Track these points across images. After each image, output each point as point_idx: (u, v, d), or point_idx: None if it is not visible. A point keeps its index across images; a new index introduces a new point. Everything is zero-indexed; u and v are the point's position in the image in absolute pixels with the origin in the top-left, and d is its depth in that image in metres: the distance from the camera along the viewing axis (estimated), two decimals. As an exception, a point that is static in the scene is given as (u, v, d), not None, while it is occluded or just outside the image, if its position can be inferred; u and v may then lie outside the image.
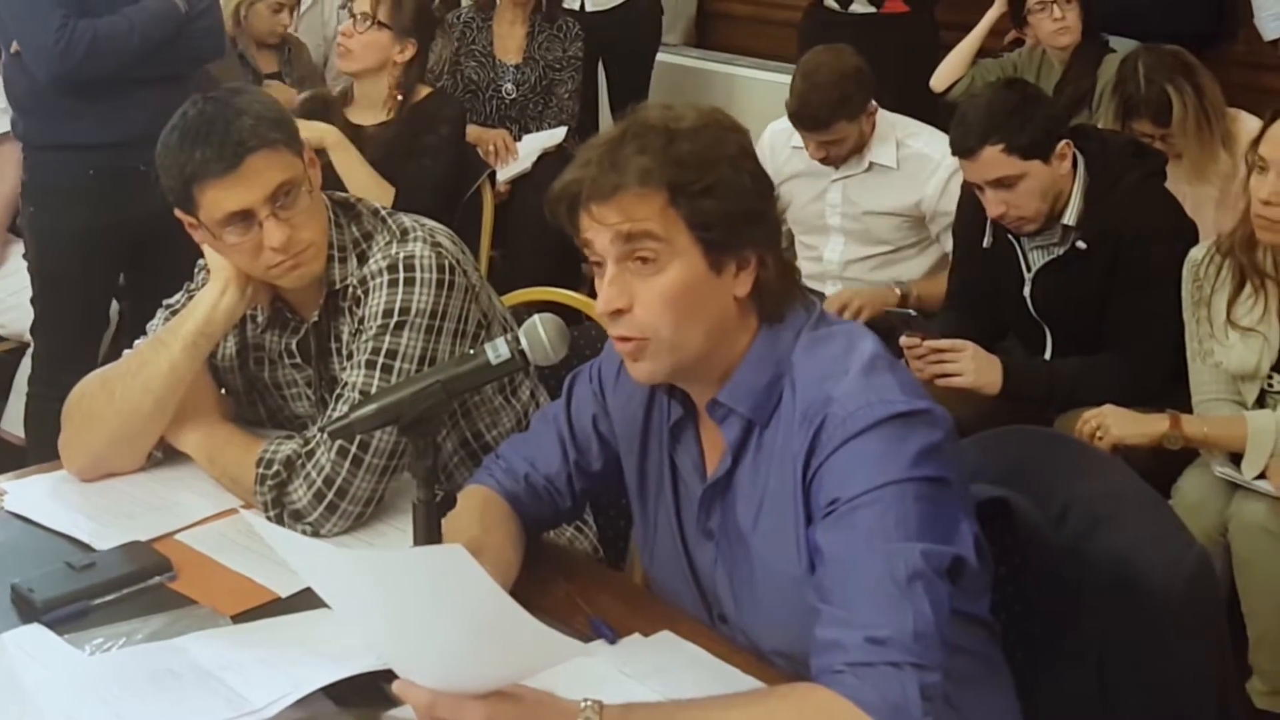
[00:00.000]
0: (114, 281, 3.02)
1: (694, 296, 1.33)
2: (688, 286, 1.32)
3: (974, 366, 2.51)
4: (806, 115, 3.00)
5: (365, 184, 2.95)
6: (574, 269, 3.25)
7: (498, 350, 1.43)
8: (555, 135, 3.75)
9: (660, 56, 4.59)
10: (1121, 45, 3.38)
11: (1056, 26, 3.48)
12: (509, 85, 3.78)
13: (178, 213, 1.73)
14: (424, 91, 3.19)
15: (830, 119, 2.98)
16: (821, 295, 3.22)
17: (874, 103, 3.05)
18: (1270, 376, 2.31)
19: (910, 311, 2.60)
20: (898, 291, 2.71)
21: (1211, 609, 1.51)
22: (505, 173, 3.61)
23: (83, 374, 1.85)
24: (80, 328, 2.96)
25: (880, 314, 2.90)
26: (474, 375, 1.45)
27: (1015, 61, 3.66)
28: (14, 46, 2.79)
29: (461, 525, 1.45)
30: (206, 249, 1.78)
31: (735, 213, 1.32)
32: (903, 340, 2.57)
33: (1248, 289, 2.29)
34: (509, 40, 3.84)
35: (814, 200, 3.20)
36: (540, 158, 3.66)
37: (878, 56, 3.12)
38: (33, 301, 3.00)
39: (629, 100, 4.42)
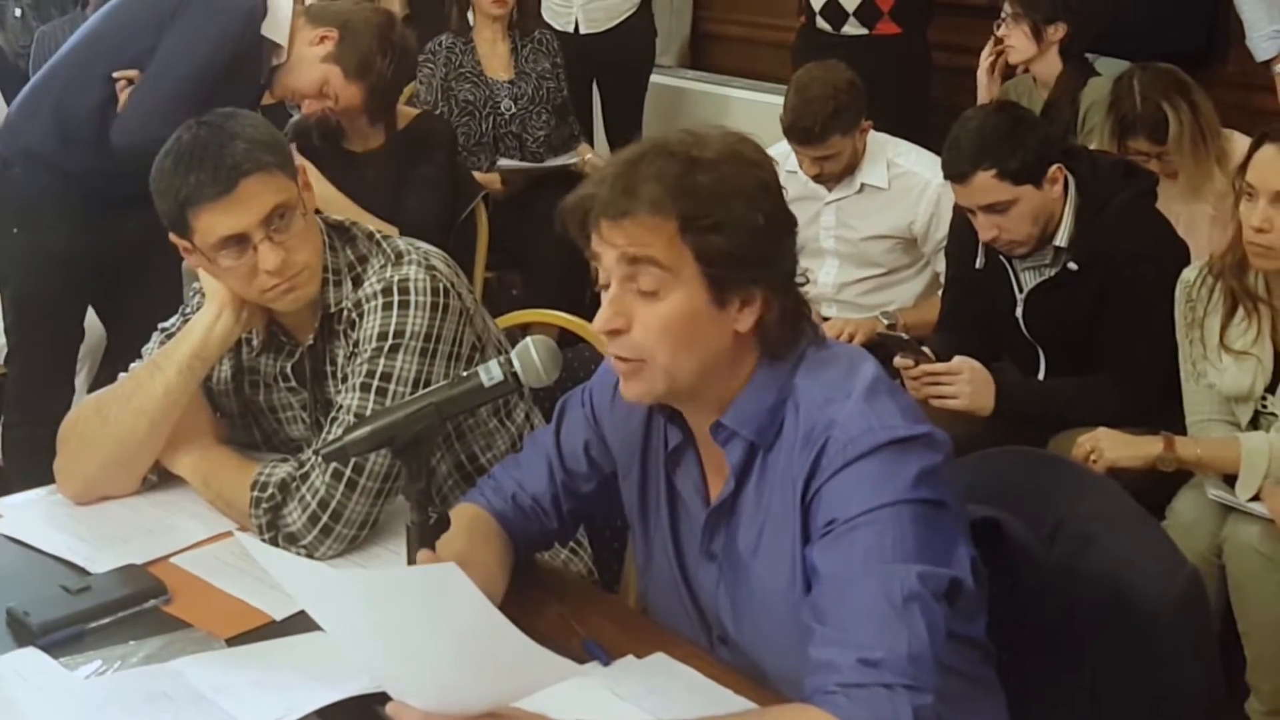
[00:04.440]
0: (85, 305, 2.95)
1: (692, 327, 1.33)
2: (687, 316, 1.32)
3: (970, 390, 2.52)
4: (801, 128, 3.02)
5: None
6: (584, 290, 3.26)
7: (490, 372, 1.44)
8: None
9: (654, 78, 4.61)
10: (1111, 66, 3.40)
11: (1006, 45, 3.52)
12: (506, 102, 3.81)
13: (172, 237, 1.74)
14: (411, 114, 3.19)
15: (824, 132, 3.00)
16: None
17: (867, 121, 3.07)
18: (1264, 398, 2.32)
19: (903, 335, 2.61)
20: (884, 322, 2.73)
21: (1202, 629, 1.51)
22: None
23: (60, 398, 1.85)
24: (55, 353, 2.89)
25: (874, 338, 2.92)
26: (467, 397, 1.46)
27: (1012, 85, 3.68)
28: (121, 86, 2.66)
29: (448, 540, 1.46)
30: (201, 273, 1.79)
31: (743, 253, 1.31)
32: (897, 361, 2.58)
33: (1240, 312, 2.30)
34: (494, 59, 3.86)
35: (808, 224, 3.21)
36: (551, 175, 3.69)
37: (870, 77, 3.14)
38: (6, 331, 2.92)
39: (624, 121, 4.46)
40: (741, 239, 1.31)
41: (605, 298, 1.35)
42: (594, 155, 3.83)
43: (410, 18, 4.27)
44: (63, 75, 2.77)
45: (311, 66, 2.78)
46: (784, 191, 1.38)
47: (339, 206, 2.86)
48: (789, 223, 1.38)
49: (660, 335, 1.33)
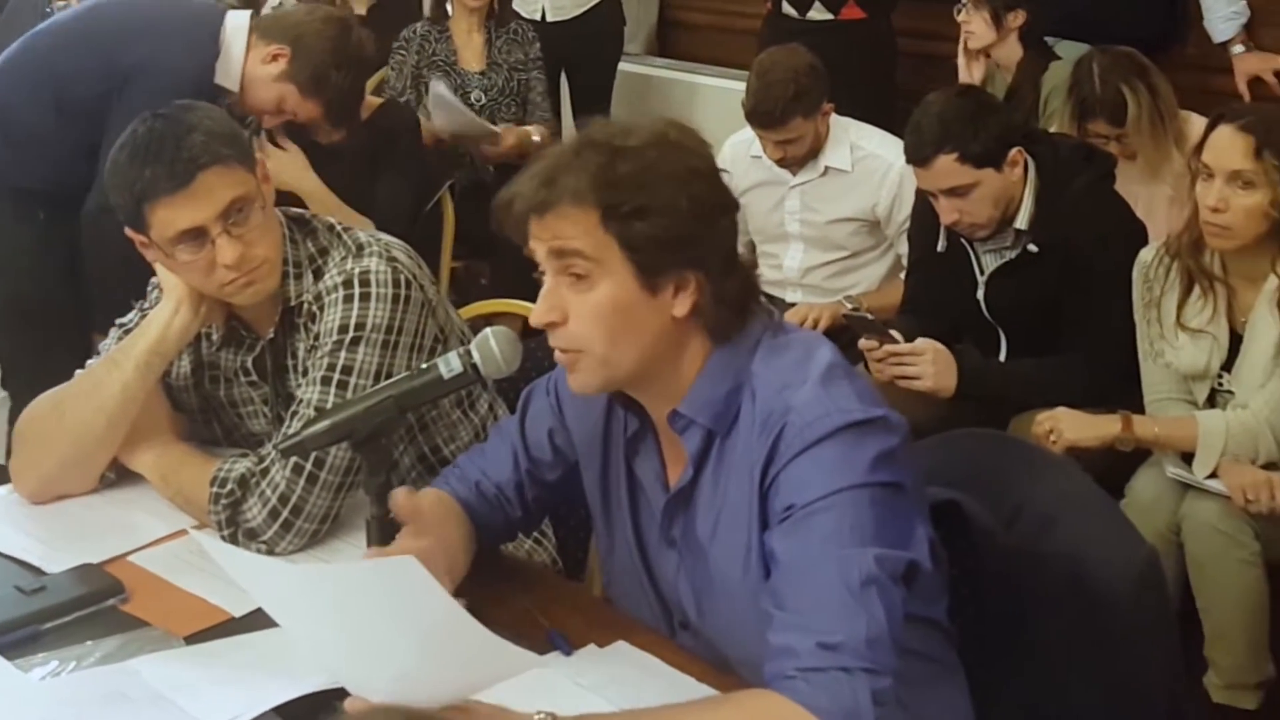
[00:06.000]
0: (70, 305, 2.88)
1: (626, 315, 1.33)
2: (619, 305, 1.32)
3: (933, 370, 2.54)
4: (762, 112, 3.03)
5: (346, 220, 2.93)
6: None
7: (450, 364, 1.44)
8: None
9: (622, 66, 4.60)
10: (1072, 50, 3.42)
11: (965, 30, 3.53)
12: (477, 92, 3.82)
13: (129, 232, 1.73)
14: (375, 104, 3.19)
15: (785, 115, 3.01)
16: (782, 302, 3.25)
17: (828, 103, 3.08)
18: (1220, 376, 2.34)
19: (868, 316, 2.63)
20: (848, 306, 2.75)
21: (1161, 608, 1.53)
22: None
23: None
24: (48, 358, 2.76)
25: (840, 320, 2.94)
26: (426, 390, 1.45)
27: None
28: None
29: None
30: (159, 267, 1.78)
31: (668, 236, 1.31)
32: (862, 343, 2.60)
33: (1196, 291, 2.32)
34: (468, 49, 3.88)
35: (773, 209, 3.23)
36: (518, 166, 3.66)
37: (835, 63, 3.15)
38: None
39: (592, 110, 4.47)
40: (666, 223, 1.31)
41: (541, 292, 1.35)
42: (537, 132, 3.80)
43: (377, 5, 4.25)
44: (8, 87, 2.72)
45: (266, 86, 2.74)
46: (723, 174, 1.37)
47: (330, 206, 2.86)
48: (723, 205, 1.37)
49: (594, 325, 1.33)
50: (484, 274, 3.82)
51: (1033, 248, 2.53)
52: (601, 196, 1.30)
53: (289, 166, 2.91)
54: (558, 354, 1.38)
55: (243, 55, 2.69)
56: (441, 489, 1.60)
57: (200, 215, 1.66)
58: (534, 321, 1.36)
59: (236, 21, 2.70)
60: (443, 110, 3.61)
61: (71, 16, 2.83)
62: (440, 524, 1.51)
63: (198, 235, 1.67)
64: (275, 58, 2.72)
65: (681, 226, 1.31)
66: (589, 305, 1.33)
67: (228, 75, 2.69)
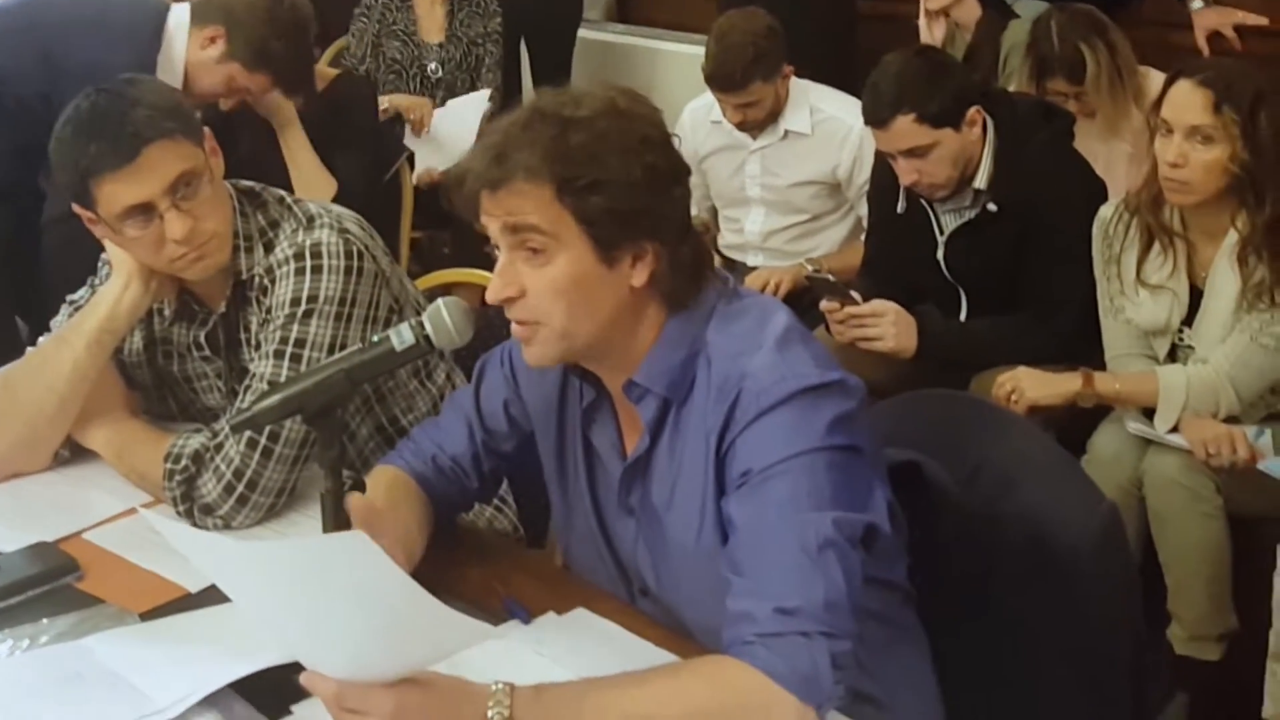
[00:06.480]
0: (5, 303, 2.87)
1: (584, 288, 1.32)
2: (577, 278, 1.31)
3: (894, 331, 2.54)
4: (722, 75, 3.02)
5: (311, 170, 2.89)
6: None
7: (401, 336, 1.42)
8: (478, 100, 3.70)
9: (582, 33, 4.56)
10: (1031, 8, 3.41)
11: None
12: (434, 64, 3.80)
13: (75, 208, 1.70)
14: (330, 75, 3.16)
15: (745, 79, 3.00)
16: (744, 265, 3.25)
17: (788, 66, 3.07)
18: (1181, 331, 2.35)
19: (829, 277, 2.63)
20: (808, 269, 2.75)
21: (1121, 565, 1.53)
22: (442, 160, 3.57)
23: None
24: None
25: (801, 283, 2.93)
26: (379, 362, 1.44)
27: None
28: None
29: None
30: (108, 243, 1.75)
31: (624, 209, 1.30)
32: (823, 305, 2.59)
33: (1156, 247, 2.33)
34: (430, 20, 3.87)
35: (734, 174, 3.22)
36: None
37: (794, 25, 3.13)
38: None
39: (552, 79, 4.44)
40: (621, 195, 1.29)
41: (496, 267, 1.34)
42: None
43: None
44: None
45: (210, 70, 2.70)
46: (674, 139, 1.36)
47: (320, 184, 2.82)
48: (676, 172, 1.35)
49: (553, 299, 1.32)
50: (446, 243, 3.80)
51: (992, 207, 2.53)
52: (555, 171, 1.28)
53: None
54: (514, 326, 1.37)
55: (184, 51, 2.67)
56: (396, 465, 1.59)
57: (147, 190, 1.63)
58: (490, 298, 1.35)
59: (179, 18, 2.67)
60: (455, 139, 3.56)
61: (17, 3, 2.77)
62: (395, 510, 1.49)
63: (145, 210, 1.65)
64: (213, 40, 2.69)
65: (637, 198, 1.30)
66: (547, 280, 1.31)
67: (170, 72, 2.66)
